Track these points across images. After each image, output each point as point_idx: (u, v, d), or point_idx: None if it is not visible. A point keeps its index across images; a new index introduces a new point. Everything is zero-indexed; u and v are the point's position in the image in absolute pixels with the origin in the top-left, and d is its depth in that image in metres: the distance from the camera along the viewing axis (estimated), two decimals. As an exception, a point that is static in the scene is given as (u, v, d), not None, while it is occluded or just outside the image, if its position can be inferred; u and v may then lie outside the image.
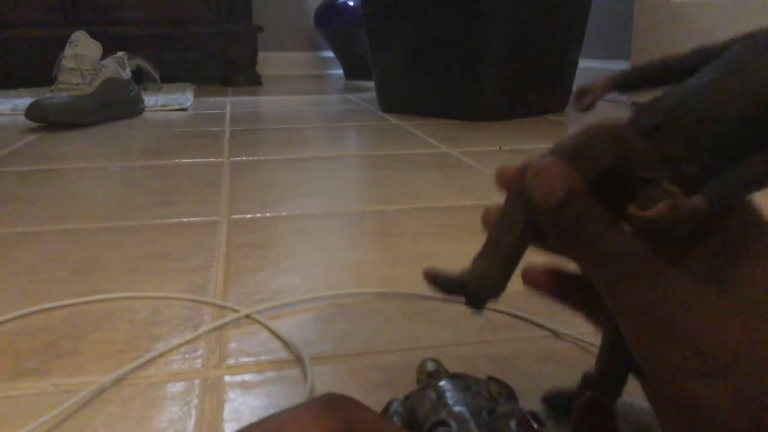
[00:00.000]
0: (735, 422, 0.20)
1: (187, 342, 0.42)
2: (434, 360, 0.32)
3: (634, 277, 0.23)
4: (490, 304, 0.29)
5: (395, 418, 0.27)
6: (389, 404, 0.28)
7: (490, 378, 0.29)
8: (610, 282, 0.23)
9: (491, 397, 0.28)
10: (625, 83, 0.29)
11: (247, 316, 0.46)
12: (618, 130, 0.27)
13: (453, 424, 0.25)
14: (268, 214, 0.72)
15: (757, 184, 0.23)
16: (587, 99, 0.28)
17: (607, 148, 0.26)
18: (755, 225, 0.25)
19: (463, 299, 0.28)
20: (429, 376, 0.31)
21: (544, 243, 0.29)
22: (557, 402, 0.31)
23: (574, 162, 0.26)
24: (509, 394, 0.29)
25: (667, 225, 0.24)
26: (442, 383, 0.28)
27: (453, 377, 0.29)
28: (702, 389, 0.21)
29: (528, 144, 1.14)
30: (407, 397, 0.29)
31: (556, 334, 0.42)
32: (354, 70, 2.63)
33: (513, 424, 0.25)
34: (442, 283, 0.28)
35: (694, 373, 0.21)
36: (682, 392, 0.21)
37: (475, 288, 0.28)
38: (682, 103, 0.25)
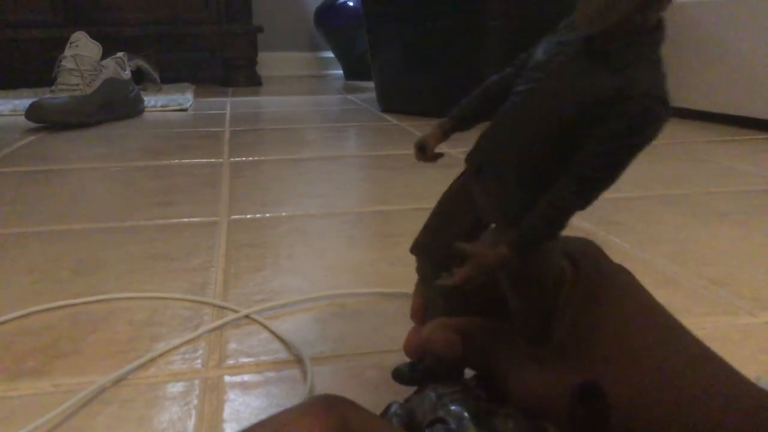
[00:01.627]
0: None
1: (187, 342, 0.42)
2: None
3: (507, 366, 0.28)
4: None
5: (394, 420, 0.27)
6: (388, 407, 0.28)
7: (491, 377, 0.29)
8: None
9: (490, 397, 0.28)
10: (456, 126, 0.28)
11: (247, 317, 0.46)
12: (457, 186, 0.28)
13: (451, 421, 0.25)
14: (268, 215, 0.72)
15: (555, 224, 0.22)
16: (428, 154, 0.29)
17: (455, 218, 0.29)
18: (600, 277, 0.27)
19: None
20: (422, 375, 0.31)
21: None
22: (403, 376, 0.31)
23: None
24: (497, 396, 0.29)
25: (481, 280, 0.23)
26: (440, 385, 0.28)
27: (450, 379, 0.29)
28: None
29: (528, 144, 1.14)
30: (407, 400, 0.29)
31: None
32: (354, 70, 2.63)
33: (511, 422, 0.25)
34: (403, 377, 0.31)
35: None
36: None
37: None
38: (492, 136, 0.25)
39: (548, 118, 0.22)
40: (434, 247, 0.30)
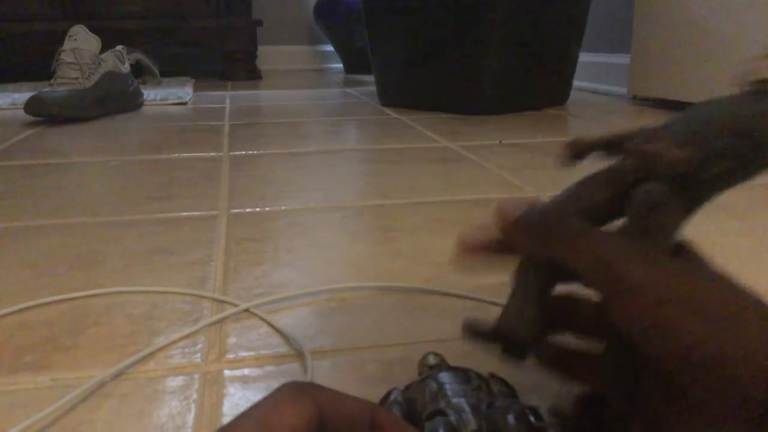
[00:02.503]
0: (753, 376, 0.20)
1: (187, 336, 0.42)
2: (436, 354, 0.32)
3: (630, 259, 0.24)
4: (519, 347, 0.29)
5: (394, 408, 0.27)
6: (388, 394, 0.28)
7: (492, 375, 0.29)
8: (608, 269, 0.24)
9: (491, 392, 0.27)
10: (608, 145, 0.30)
11: (247, 311, 0.46)
12: (611, 167, 0.29)
13: (451, 414, 0.25)
14: (267, 209, 0.72)
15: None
16: (577, 152, 0.30)
17: (600, 184, 0.29)
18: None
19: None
20: (430, 369, 0.31)
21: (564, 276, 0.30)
22: (477, 332, 0.30)
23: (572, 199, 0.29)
24: (510, 391, 0.28)
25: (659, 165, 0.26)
26: (442, 375, 0.28)
27: (454, 370, 0.28)
28: (714, 348, 0.21)
29: (528, 138, 1.13)
30: (407, 388, 0.29)
31: (557, 328, 0.42)
32: (353, 64, 2.62)
33: (511, 417, 0.25)
34: (479, 334, 0.29)
35: (705, 337, 0.21)
36: (699, 359, 0.21)
37: (510, 336, 0.29)
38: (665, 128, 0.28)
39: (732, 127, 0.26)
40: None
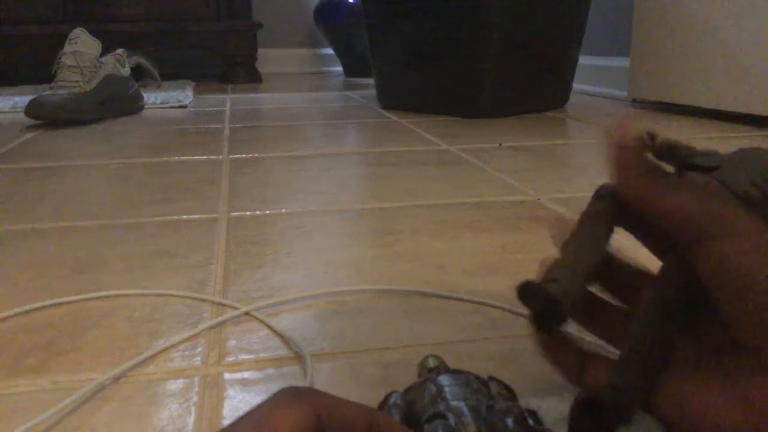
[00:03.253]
0: None
1: (187, 339, 0.42)
2: (435, 356, 0.32)
3: (736, 208, 0.25)
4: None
5: (393, 411, 0.27)
6: (388, 397, 0.28)
7: (491, 377, 0.29)
8: (709, 212, 0.25)
9: (490, 395, 0.27)
10: (671, 148, 0.31)
11: (247, 314, 0.46)
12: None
13: (450, 417, 0.25)
14: (267, 212, 0.72)
15: None
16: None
17: None
18: None
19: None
20: (430, 372, 0.31)
21: (636, 228, 0.31)
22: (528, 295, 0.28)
23: None
24: (509, 393, 0.29)
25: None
26: (441, 378, 0.28)
27: (453, 372, 0.29)
28: None
29: (528, 141, 1.14)
30: (406, 390, 0.29)
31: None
32: (354, 67, 2.62)
33: (510, 420, 0.25)
34: (533, 295, 0.28)
35: None
36: None
37: (565, 302, 0.27)
38: (734, 158, 0.30)
39: None
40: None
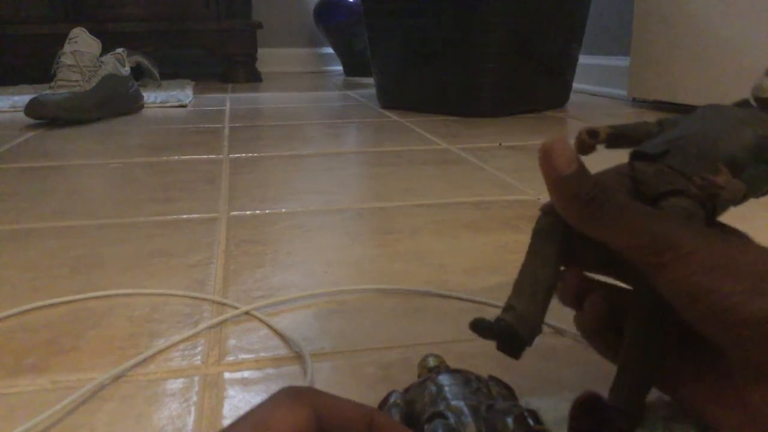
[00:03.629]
0: None
1: (187, 339, 0.42)
2: (435, 355, 0.32)
3: (680, 228, 0.25)
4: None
5: (393, 410, 0.27)
6: (388, 396, 0.28)
7: (491, 377, 0.29)
8: (654, 239, 0.25)
9: (490, 395, 0.27)
10: (617, 136, 0.32)
11: (247, 313, 0.46)
12: (619, 169, 0.30)
13: (450, 417, 0.25)
14: (267, 211, 0.72)
15: None
16: (597, 140, 0.32)
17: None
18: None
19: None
20: (430, 371, 0.31)
21: (579, 256, 0.30)
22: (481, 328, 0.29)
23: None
24: (509, 393, 0.28)
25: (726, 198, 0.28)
26: (441, 377, 0.28)
27: (453, 372, 0.28)
28: (759, 307, 0.22)
29: (528, 140, 1.14)
30: (407, 390, 0.29)
31: (558, 331, 0.42)
32: (353, 67, 2.62)
33: (510, 420, 0.25)
34: (485, 330, 0.28)
35: (752, 298, 0.23)
36: (747, 317, 0.23)
37: (521, 330, 0.28)
38: (681, 136, 0.30)
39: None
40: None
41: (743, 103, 0.32)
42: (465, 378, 0.28)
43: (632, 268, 0.26)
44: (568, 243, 0.29)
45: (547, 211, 0.30)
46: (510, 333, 0.27)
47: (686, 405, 0.28)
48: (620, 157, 0.32)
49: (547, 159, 0.27)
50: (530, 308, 0.28)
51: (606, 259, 0.29)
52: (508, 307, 0.28)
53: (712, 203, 0.28)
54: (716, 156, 0.28)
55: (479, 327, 0.28)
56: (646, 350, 0.27)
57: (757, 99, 0.32)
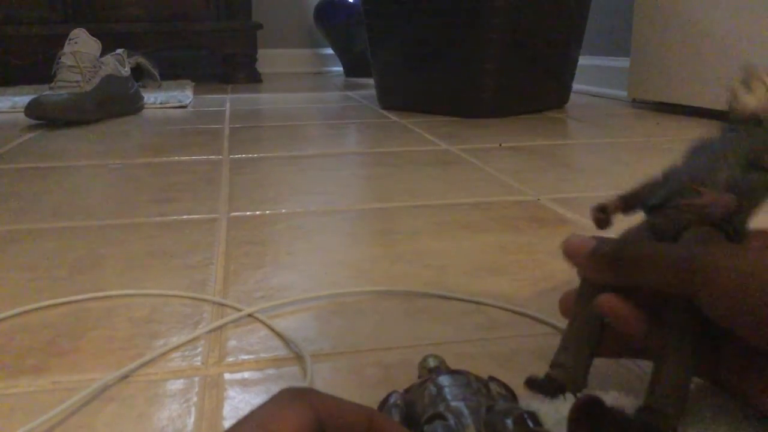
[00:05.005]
0: None
1: (187, 340, 0.42)
2: (435, 356, 0.32)
3: (701, 253, 0.26)
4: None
5: (393, 411, 0.27)
6: (388, 397, 0.28)
7: (491, 378, 0.29)
8: (678, 270, 0.26)
9: (490, 396, 0.27)
10: (632, 203, 0.35)
11: (249, 315, 0.46)
12: (638, 228, 0.32)
13: (450, 418, 0.25)
14: (267, 212, 0.72)
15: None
16: (607, 216, 0.34)
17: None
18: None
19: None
20: (430, 372, 0.31)
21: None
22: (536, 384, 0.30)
23: None
24: (509, 394, 0.29)
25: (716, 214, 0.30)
26: (441, 378, 0.28)
27: (453, 373, 0.28)
28: None
29: (528, 141, 1.14)
30: (407, 391, 0.29)
31: (560, 331, 0.42)
32: (354, 67, 2.62)
33: (509, 422, 0.25)
34: (537, 387, 0.30)
35: None
36: None
37: (570, 387, 0.30)
38: (675, 178, 0.33)
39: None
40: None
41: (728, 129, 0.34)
42: (465, 379, 0.28)
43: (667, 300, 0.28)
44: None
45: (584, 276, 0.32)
46: (559, 389, 0.30)
47: (731, 392, 0.29)
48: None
49: (567, 254, 0.31)
50: (577, 366, 0.30)
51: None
52: (556, 364, 0.30)
53: (729, 223, 0.30)
54: (706, 181, 0.31)
55: (533, 384, 0.30)
56: (686, 370, 0.28)
57: (731, 109, 0.34)
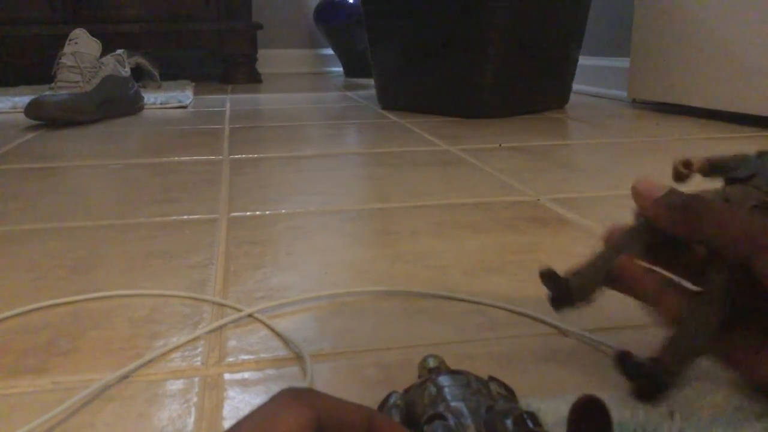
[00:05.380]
0: None
1: (187, 340, 0.42)
2: (435, 356, 0.32)
3: None
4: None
5: (393, 411, 0.27)
6: (388, 397, 0.28)
7: (492, 378, 0.29)
8: (757, 229, 0.27)
9: (490, 396, 0.27)
10: (713, 167, 0.36)
11: (250, 316, 0.46)
12: (712, 192, 0.34)
13: (450, 418, 0.25)
14: (267, 212, 0.72)
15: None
16: (686, 172, 0.36)
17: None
18: None
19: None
20: (430, 372, 0.31)
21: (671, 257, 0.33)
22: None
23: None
24: (509, 394, 0.28)
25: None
26: (441, 378, 0.28)
27: (453, 373, 0.28)
28: None
29: (528, 141, 1.14)
30: (406, 391, 0.29)
31: (561, 331, 0.42)
32: (354, 68, 2.62)
33: (509, 422, 0.25)
34: (551, 279, 0.32)
35: None
36: None
37: (575, 290, 0.32)
38: (763, 171, 0.34)
39: None
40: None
41: None
42: (465, 379, 0.28)
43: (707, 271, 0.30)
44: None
45: (639, 222, 0.33)
46: (568, 292, 0.32)
47: (742, 373, 0.30)
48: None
49: (637, 193, 0.32)
50: (591, 281, 0.32)
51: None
52: (575, 272, 0.32)
53: None
54: None
55: (547, 276, 0.32)
56: (711, 315, 0.29)
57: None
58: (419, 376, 0.31)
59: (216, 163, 0.98)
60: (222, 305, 0.48)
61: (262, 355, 0.40)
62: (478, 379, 0.28)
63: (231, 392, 0.36)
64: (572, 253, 0.57)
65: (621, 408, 0.30)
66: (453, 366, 0.32)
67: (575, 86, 1.67)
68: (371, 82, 1.72)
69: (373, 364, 0.39)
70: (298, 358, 0.40)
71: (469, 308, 0.47)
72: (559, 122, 1.38)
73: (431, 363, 0.32)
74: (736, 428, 0.28)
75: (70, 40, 1.47)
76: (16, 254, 0.59)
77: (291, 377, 0.38)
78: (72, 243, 0.62)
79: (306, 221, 0.68)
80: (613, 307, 0.43)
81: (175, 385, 0.37)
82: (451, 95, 1.44)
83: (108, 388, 0.37)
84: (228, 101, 1.82)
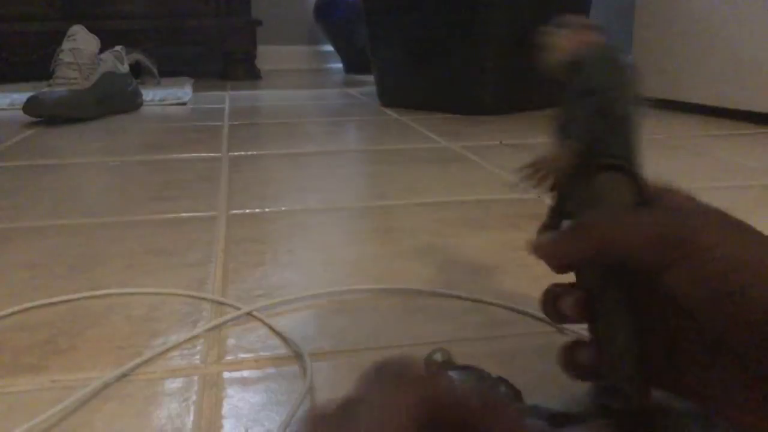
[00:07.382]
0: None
1: (186, 338, 0.42)
2: (443, 350, 0.32)
3: (699, 225, 0.24)
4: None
5: None
6: None
7: (500, 378, 0.29)
8: (674, 234, 0.24)
9: (499, 394, 0.27)
10: None
11: (249, 314, 0.46)
12: None
13: None
14: (267, 209, 0.71)
15: None
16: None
17: None
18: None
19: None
20: (438, 366, 0.31)
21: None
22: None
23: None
24: (515, 393, 0.28)
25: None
26: (454, 373, 0.28)
27: (465, 369, 0.28)
28: None
29: (528, 138, 1.13)
30: None
31: (559, 329, 0.42)
32: (354, 64, 2.62)
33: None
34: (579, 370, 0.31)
35: None
36: None
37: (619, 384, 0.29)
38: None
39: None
40: None
41: None
42: (478, 375, 0.28)
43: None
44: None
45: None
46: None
47: (720, 416, 0.26)
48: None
49: (541, 253, 0.32)
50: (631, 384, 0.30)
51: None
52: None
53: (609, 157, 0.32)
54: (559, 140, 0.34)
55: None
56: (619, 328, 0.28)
57: (549, 66, 0.36)
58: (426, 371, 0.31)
59: (215, 160, 0.98)
60: (221, 303, 0.47)
61: (262, 354, 0.40)
62: (489, 376, 0.28)
63: (230, 391, 0.36)
64: (573, 250, 0.56)
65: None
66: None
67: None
68: (371, 78, 1.71)
69: (372, 362, 0.39)
70: (298, 356, 0.40)
71: (469, 306, 0.46)
72: (560, 119, 1.38)
73: (438, 357, 0.31)
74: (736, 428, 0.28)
75: (68, 36, 1.46)
76: (15, 251, 0.59)
77: (290, 376, 0.38)
78: (70, 240, 0.62)
79: (306, 219, 0.68)
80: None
81: (174, 383, 0.37)
82: (452, 92, 1.43)
83: (107, 387, 0.37)
84: (227, 98, 1.82)
